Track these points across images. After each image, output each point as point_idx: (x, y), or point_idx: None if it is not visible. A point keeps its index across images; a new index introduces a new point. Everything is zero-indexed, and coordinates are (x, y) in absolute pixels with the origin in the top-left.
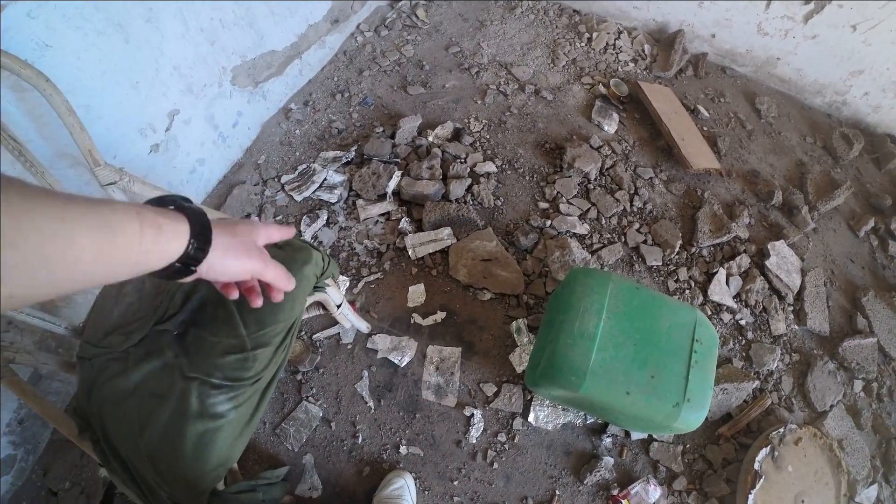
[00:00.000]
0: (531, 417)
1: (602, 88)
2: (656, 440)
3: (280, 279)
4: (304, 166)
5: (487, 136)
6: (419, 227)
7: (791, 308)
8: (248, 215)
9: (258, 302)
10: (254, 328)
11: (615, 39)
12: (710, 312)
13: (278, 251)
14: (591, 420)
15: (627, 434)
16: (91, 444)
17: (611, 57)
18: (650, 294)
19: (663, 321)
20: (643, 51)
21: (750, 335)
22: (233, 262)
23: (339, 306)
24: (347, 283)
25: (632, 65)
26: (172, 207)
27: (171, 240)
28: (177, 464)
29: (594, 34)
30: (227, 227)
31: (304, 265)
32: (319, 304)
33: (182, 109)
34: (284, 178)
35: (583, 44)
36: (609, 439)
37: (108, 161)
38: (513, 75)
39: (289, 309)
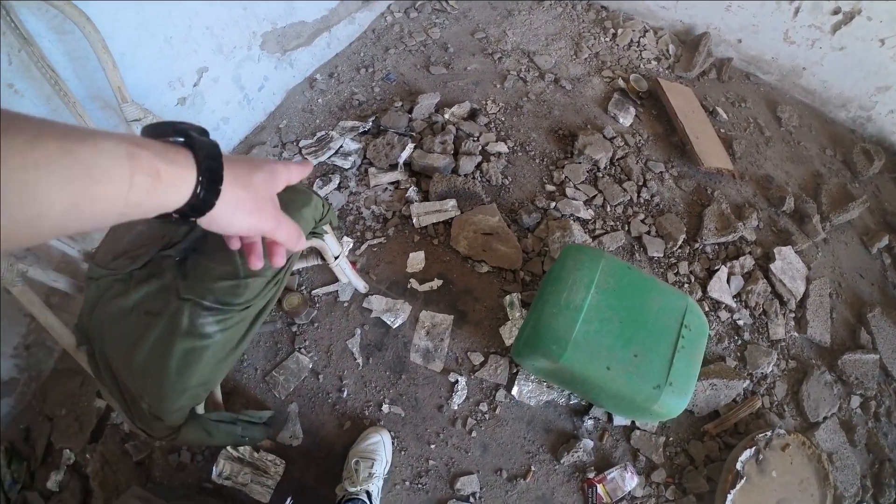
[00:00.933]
0: (515, 391)
1: (621, 82)
2: (639, 428)
3: (291, 240)
4: (323, 133)
5: (503, 119)
6: (426, 197)
7: (792, 314)
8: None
9: (258, 264)
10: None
11: (640, 37)
12: (707, 308)
13: (281, 193)
14: (575, 401)
15: (610, 419)
16: (87, 356)
17: (634, 54)
18: (641, 275)
19: (653, 303)
20: (667, 50)
21: (746, 336)
22: (242, 219)
23: (336, 258)
24: (351, 244)
25: (654, 63)
26: (180, 140)
27: (171, 190)
28: (161, 377)
29: (619, 30)
30: (242, 177)
31: (303, 207)
32: (318, 254)
33: (211, 68)
34: (303, 143)
35: (607, 39)
36: (591, 422)
37: (150, 110)
38: (534, 63)
39: None
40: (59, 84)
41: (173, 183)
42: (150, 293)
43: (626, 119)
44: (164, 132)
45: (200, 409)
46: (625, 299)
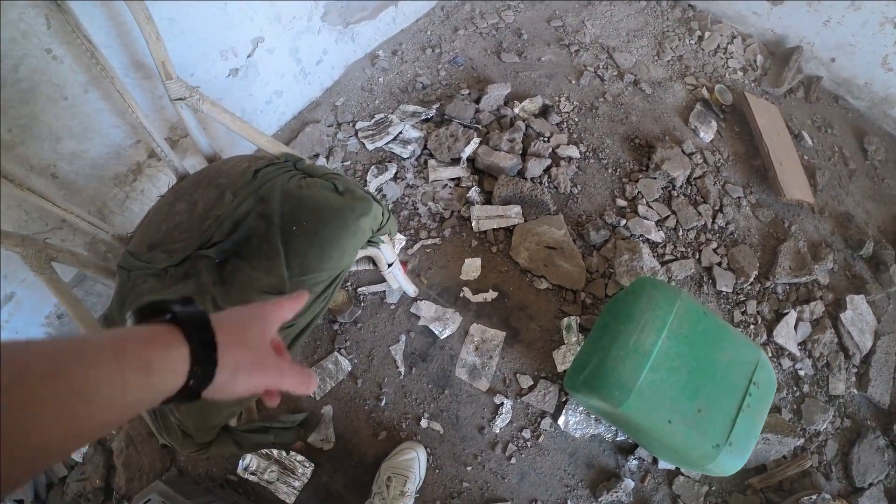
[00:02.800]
0: (561, 420)
1: (705, 92)
2: (683, 475)
3: (299, 387)
4: (382, 116)
5: (576, 119)
6: (488, 199)
7: (855, 370)
8: (317, 155)
9: (275, 402)
10: (297, 272)
11: (728, 43)
12: (770, 354)
13: (337, 197)
14: (622, 438)
15: (655, 461)
16: None
17: (720, 61)
18: (717, 322)
19: (724, 354)
20: (755, 61)
21: (806, 388)
22: (244, 381)
23: (390, 265)
24: (403, 243)
25: (740, 74)
26: (167, 317)
27: (166, 376)
28: None
29: (706, 34)
30: (235, 335)
31: (361, 216)
32: (369, 259)
33: (267, 38)
34: (359, 125)
35: (692, 41)
36: (635, 462)
37: (184, 78)
38: (613, 61)
39: (337, 258)
40: (95, 56)
41: (167, 367)
42: (186, 295)
43: (708, 134)
44: (149, 312)
45: (232, 422)
46: (696, 348)
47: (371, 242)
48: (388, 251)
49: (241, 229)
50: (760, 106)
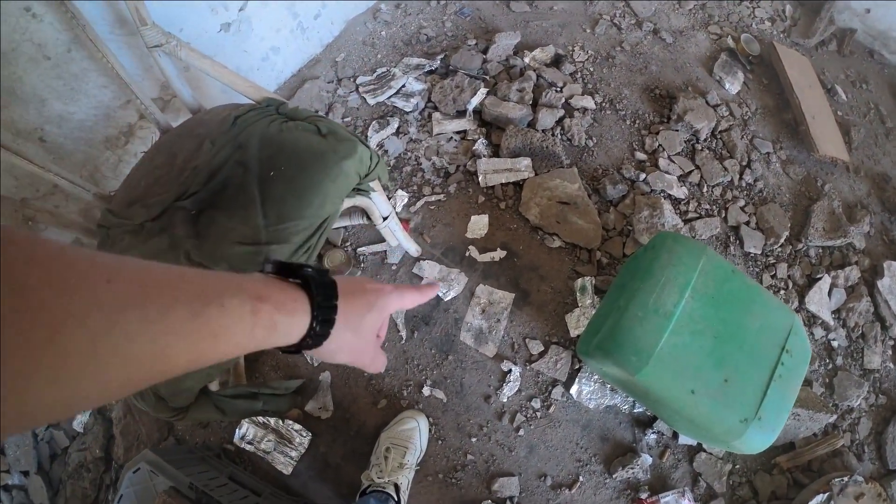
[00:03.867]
0: (574, 389)
1: (730, 42)
2: (705, 451)
3: (373, 369)
4: (384, 70)
5: (591, 69)
6: (496, 152)
7: (892, 342)
8: (316, 112)
9: None
10: (273, 220)
11: None
12: (803, 322)
13: (319, 139)
14: (640, 409)
15: (675, 435)
16: None
17: (746, 10)
18: (746, 282)
19: (754, 318)
20: (783, 11)
21: (839, 360)
22: (343, 357)
23: (385, 218)
24: (406, 200)
25: (768, 24)
26: (298, 281)
27: (283, 338)
28: None
29: None
30: (353, 321)
31: (343, 159)
32: (364, 213)
33: None
34: (361, 80)
35: None
36: (653, 436)
37: (176, 34)
38: (631, 9)
39: (318, 205)
40: (70, 11)
41: (287, 332)
42: (160, 250)
43: (734, 85)
44: (285, 271)
45: (214, 386)
46: (723, 310)
47: (360, 191)
48: (382, 202)
49: (217, 178)
50: (790, 57)
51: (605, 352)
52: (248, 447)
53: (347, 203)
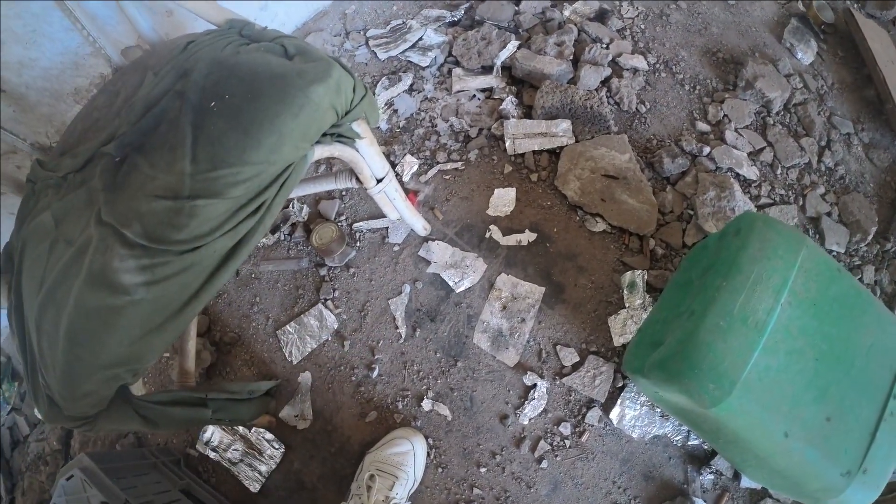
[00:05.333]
0: (614, 413)
1: (801, 6)
2: (771, 497)
3: None
4: (399, 22)
5: (642, 27)
6: (528, 113)
7: None
8: None
9: None
10: (203, 165)
11: None
12: None
13: (282, 61)
14: (695, 440)
15: (736, 475)
16: (6, 288)
17: None
18: (855, 287)
19: (864, 335)
20: None
21: None
22: None
23: (378, 181)
24: (415, 167)
25: None
26: None
27: None
28: (55, 343)
29: None
30: None
31: (313, 83)
32: (353, 175)
33: None
34: (371, 32)
35: None
36: (710, 476)
37: None
38: None
39: (269, 148)
40: None
41: None
42: (74, 209)
43: (807, 55)
44: None
45: (139, 389)
46: (827, 321)
47: (340, 138)
48: (373, 155)
49: (150, 115)
50: (870, 28)
51: (670, 374)
52: (212, 454)
53: (321, 152)
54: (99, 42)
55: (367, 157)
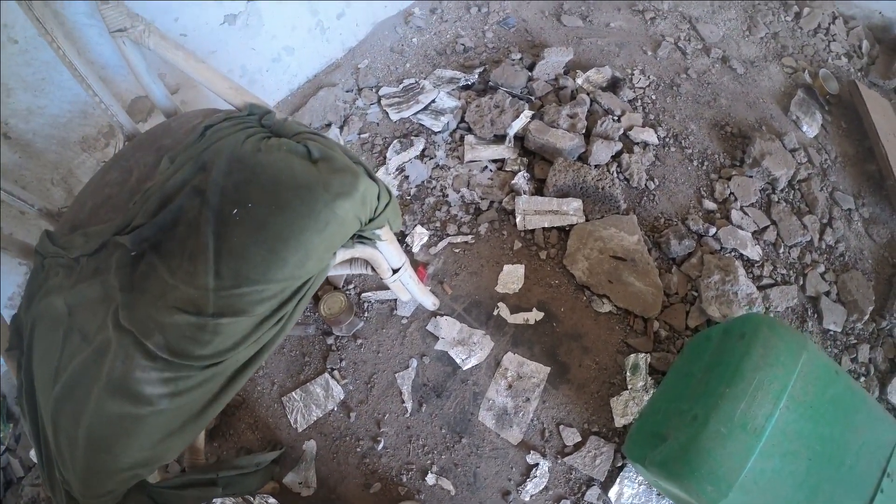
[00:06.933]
0: (613, 492)
1: (807, 77)
2: None
3: None
4: (412, 81)
5: (653, 97)
6: (539, 189)
7: None
8: (329, 125)
9: None
10: (228, 281)
11: (829, 23)
12: None
13: (307, 166)
14: None
15: None
16: (16, 365)
17: (821, 43)
18: (850, 386)
19: (856, 434)
20: (859, 47)
21: None
22: None
23: (395, 271)
24: (426, 239)
25: (844, 60)
26: None
27: None
28: (74, 443)
29: (805, 10)
30: None
31: (339, 197)
32: (367, 262)
33: None
34: (384, 90)
35: (789, 18)
36: None
37: (170, 23)
38: (697, 32)
39: (296, 264)
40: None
41: None
42: (89, 301)
43: (812, 128)
44: None
45: (154, 477)
46: (822, 423)
47: (362, 238)
48: (392, 252)
49: (168, 209)
50: (873, 99)
51: (670, 473)
52: None
53: (343, 255)
54: (111, 110)
55: (386, 253)
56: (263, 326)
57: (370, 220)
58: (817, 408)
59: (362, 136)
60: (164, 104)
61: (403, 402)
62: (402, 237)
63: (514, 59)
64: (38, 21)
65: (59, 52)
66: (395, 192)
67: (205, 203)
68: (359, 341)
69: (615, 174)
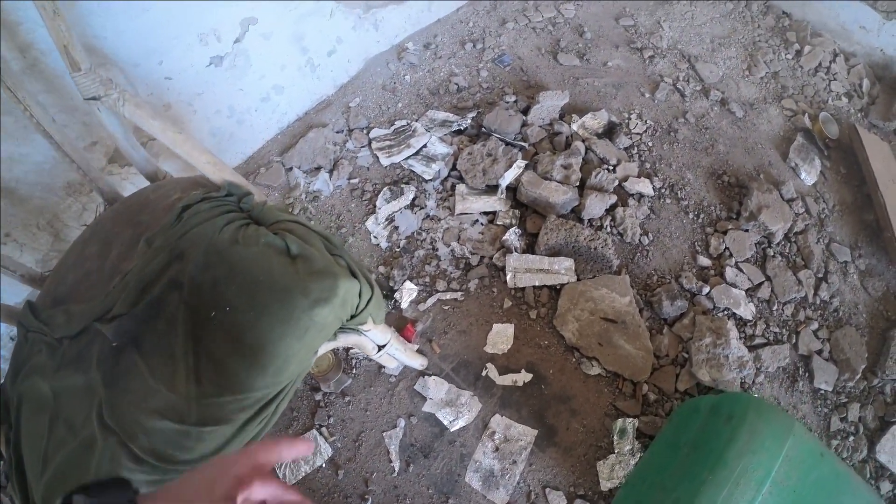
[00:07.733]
0: None
1: (807, 121)
2: None
3: None
4: (404, 123)
5: (650, 144)
6: (531, 246)
7: None
8: (318, 168)
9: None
10: (209, 388)
11: (830, 62)
12: (869, 474)
13: (286, 265)
14: None
15: None
16: (4, 439)
17: (821, 83)
18: (836, 468)
19: None
20: (860, 86)
21: None
22: None
23: (381, 347)
24: (414, 294)
25: (845, 100)
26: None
27: None
28: None
29: (805, 48)
30: None
31: (316, 305)
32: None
33: (261, 19)
34: (375, 133)
35: (789, 56)
36: None
37: (154, 67)
38: (696, 72)
39: (275, 372)
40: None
41: None
42: (74, 392)
43: (810, 175)
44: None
45: None
46: None
47: (345, 329)
48: (376, 334)
49: (145, 300)
50: (872, 143)
51: None
52: None
53: (325, 348)
54: (88, 174)
55: (371, 336)
56: (246, 429)
57: (353, 317)
58: (800, 492)
59: (352, 181)
60: (144, 168)
61: (391, 461)
62: (390, 292)
63: (508, 102)
64: (9, 90)
65: (34, 120)
66: (384, 244)
67: (181, 301)
68: (347, 398)
69: (609, 229)
